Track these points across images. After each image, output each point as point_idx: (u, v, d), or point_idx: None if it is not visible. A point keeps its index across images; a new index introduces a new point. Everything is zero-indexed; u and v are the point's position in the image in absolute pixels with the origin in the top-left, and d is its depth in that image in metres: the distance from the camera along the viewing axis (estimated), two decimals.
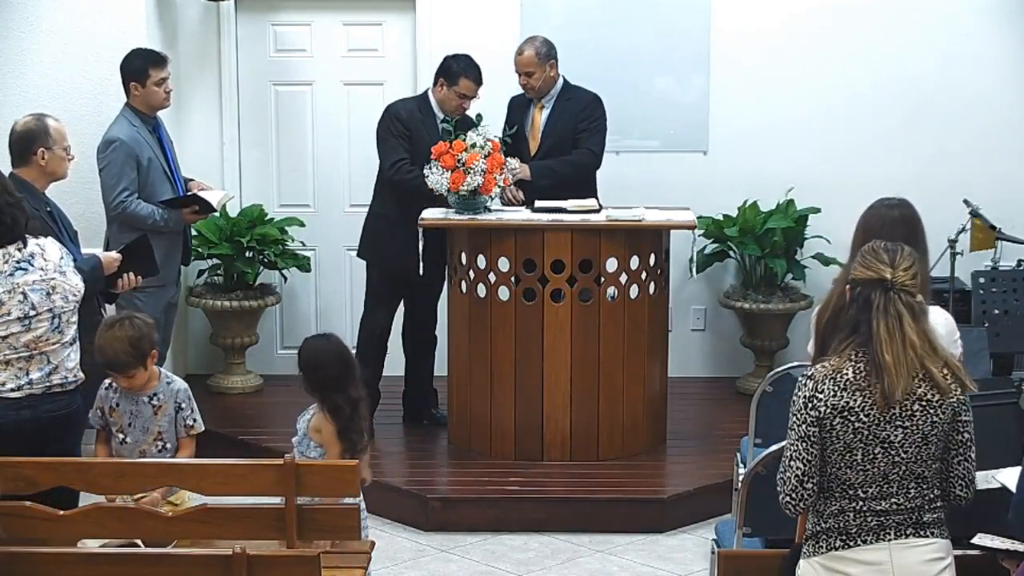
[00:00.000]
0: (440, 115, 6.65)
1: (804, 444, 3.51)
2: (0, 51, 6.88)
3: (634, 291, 6.43)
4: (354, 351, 5.22)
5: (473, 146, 6.29)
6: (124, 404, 4.80)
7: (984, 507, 3.69)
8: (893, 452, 3.49)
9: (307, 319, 7.93)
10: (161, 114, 6.44)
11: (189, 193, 6.43)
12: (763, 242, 7.36)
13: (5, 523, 4.09)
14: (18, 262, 4.62)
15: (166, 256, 6.19)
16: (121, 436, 4.81)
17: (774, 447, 4.11)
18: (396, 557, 5.81)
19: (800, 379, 3.57)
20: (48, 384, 4.67)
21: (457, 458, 6.61)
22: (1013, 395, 4.23)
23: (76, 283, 4.78)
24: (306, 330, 7.71)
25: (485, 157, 6.26)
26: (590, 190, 6.72)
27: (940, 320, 4.09)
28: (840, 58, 7.60)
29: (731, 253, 7.55)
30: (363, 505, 4.73)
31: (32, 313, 4.61)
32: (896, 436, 3.48)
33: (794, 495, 3.55)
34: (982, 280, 6.72)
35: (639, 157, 7.66)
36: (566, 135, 6.74)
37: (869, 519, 3.52)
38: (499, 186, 6.35)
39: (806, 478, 3.52)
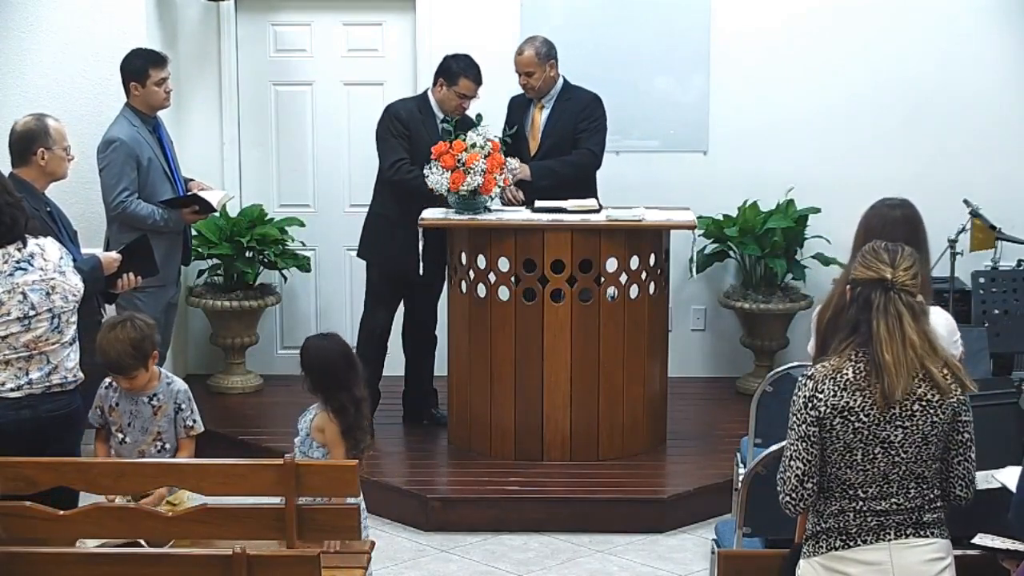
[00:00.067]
0: (440, 115, 6.65)
1: (804, 444, 3.51)
2: (0, 51, 6.88)
3: (634, 291, 6.43)
4: (354, 351, 5.23)
5: (473, 146, 6.29)
6: (124, 404, 4.80)
7: (984, 507, 3.69)
8: (893, 452, 3.49)
9: (307, 319, 7.93)
10: (161, 114, 6.44)
11: (189, 193, 6.43)
12: (763, 242, 7.36)
13: (5, 523, 4.09)
14: (18, 262, 4.62)
15: (166, 256, 6.19)
16: (120, 436, 4.81)
17: (774, 447, 4.11)
18: (396, 557, 5.81)
19: (800, 379, 3.57)
20: (48, 384, 4.67)
21: (457, 458, 6.61)
22: (1013, 395, 4.22)
23: (76, 283, 4.78)
24: (306, 330, 7.71)
25: (485, 157, 6.26)
26: (590, 190, 6.72)
27: (941, 321, 4.09)
28: (840, 58, 7.60)
29: (731, 253, 7.55)
30: (363, 505, 4.73)
31: (32, 313, 4.61)
32: (896, 436, 3.48)
33: (794, 495, 3.55)
34: (982, 280, 6.72)
35: (639, 157, 7.66)
36: (566, 135, 6.74)
37: (869, 519, 3.52)
38: (499, 186, 6.35)
39: (806, 478, 3.52)
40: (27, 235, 4.66)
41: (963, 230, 6.84)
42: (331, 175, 7.85)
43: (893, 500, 3.52)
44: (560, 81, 6.79)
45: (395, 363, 7.03)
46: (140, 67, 6.26)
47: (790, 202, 7.49)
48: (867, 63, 7.59)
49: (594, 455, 6.44)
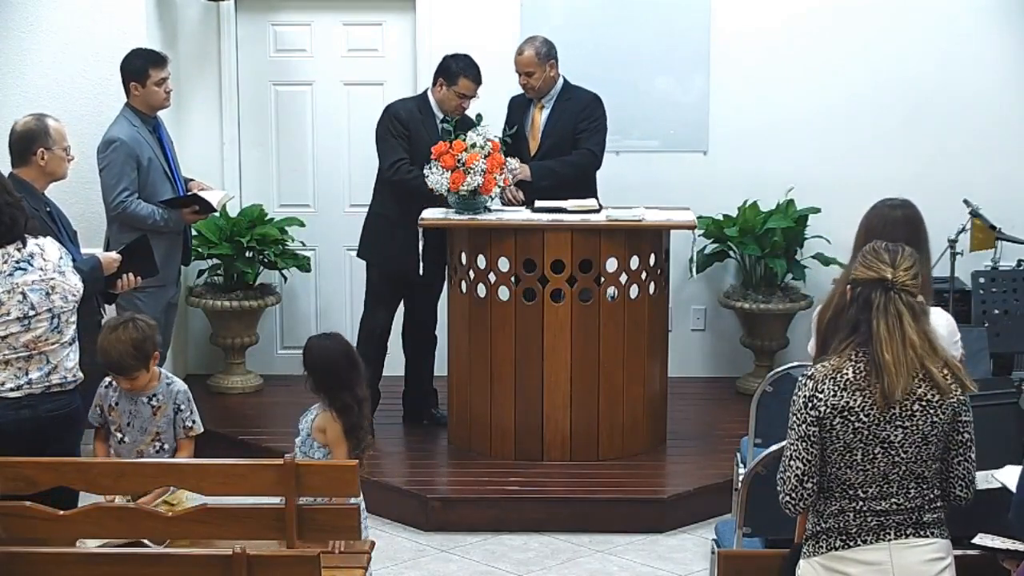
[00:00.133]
0: (440, 115, 6.65)
1: (804, 444, 3.52)
2: (0, 51, 6.88)
3: (634, 291, 6.43)
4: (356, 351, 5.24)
5: (473, 146, 6.29)
6: (123, 403, 4.80)
7: (984, 507, 3.69)
8: (893, 452, 3.49)
9: (307, 319, 7.93)
10: (161, 114, 6.44)
11: (189, 193, 6.43)
12: (763, 242, 7.36)
13: (5, 523, 4.09)
14: (17, 262, 4.62)
15: (166, 256, 6.19)
16: (119, 435, 4.81)
17: (774, 447, 4.11)
18: (396, 557, 5.81)
19: (800, 379, 3.57)
20: (47, 384, 4.67)
21: (457, 458, 6.61)
22: (1013, 395, 4.22)
23: (75, 283, 4.78)
24: (306, 330, 7.72)
25: (485, 157, 6.26)
26: (590, 190, 6.72)
27: (941, 322, 4.09)
28: (840, 58, 7.60)
29: (731, 253, 7.55)
30: (363, 505, 4.73)
31: (31, 313, 4.61)
32: (896, 436, 3.48)
33: (794, 495, 3.55)
34: (982, 280, 6.72)
35: (639, 157, 7.66)
36: (566, 135, 6.74)
37: (869, 519, 3.52)
38: (499, 186, 6.35)
39: (806, 478, 3.52)
40: (27, 235, 4.66)
41: (963, 230, 6.84)
42: (331, 175, 7.85)
43: (893, 500, 3.52)
44: (560, 81, 6.79)
45: (395, 363, 7.03)
46: (140, 67, 6.26)
47: (790, 202, 7.49)
48: (867, 63, 7.59)
49: (594, 455, 6.44)
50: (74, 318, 4.78)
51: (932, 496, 3.55)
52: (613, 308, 6.39)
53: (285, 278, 7.70)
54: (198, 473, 4.26)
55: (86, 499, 4.47)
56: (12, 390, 4.61)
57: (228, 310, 7.42)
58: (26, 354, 4.63)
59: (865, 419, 3.47)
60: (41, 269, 4.66)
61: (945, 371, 3.50)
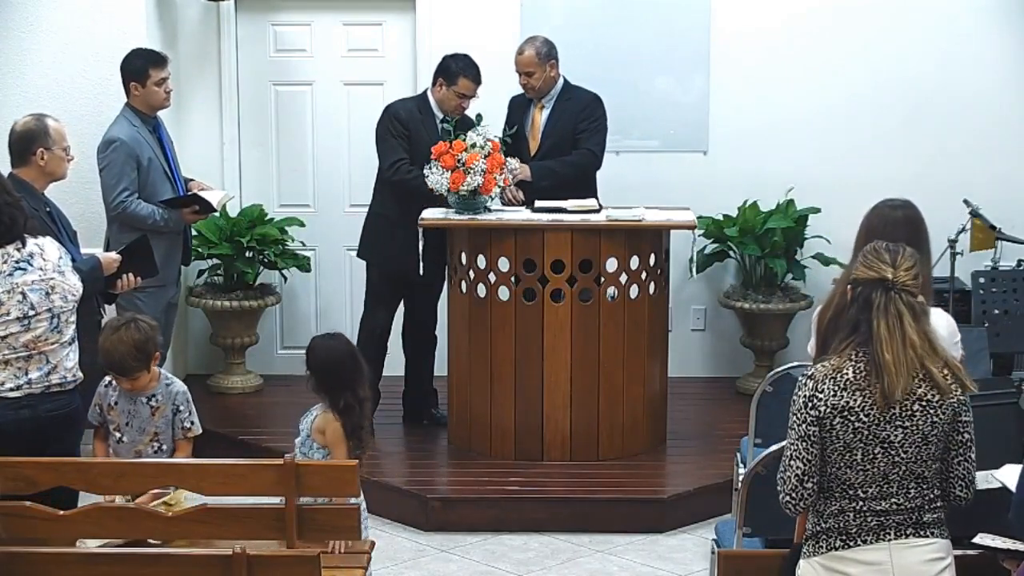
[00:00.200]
0: (439, 115, 6.65)
1: (804, 444, 3.52)
2: (0, 51, 6.88)
3: (634, 291, 6.43)
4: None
5: (473, 146, 6.29)
6: (122, 403, 4.80)
7: (984, 507, 3.69)
8: (893, 452, 3.49)
9: (307, 319, 7.93)
10: (161, 114, 6.44)
11: (189, 193, 6.43)
12: (763, 242, 7.36)
13: (5, 523, 4.09)
14: (17, 262, 4.62)
15: (166, 256, 6.19)
16: (118, 435, 4.81)
17: (774, 447, 4.11)
18: (396, 557, 5.81)
19: (800, 379, 3.57)
20: (47, 384, 4.67)
21: (457, 458, 6.60)
22: (1013, 395, 4.23)
23: (74, 283, 4.78)
24: (306, 330, 7.73)
25: (485, 157, 6.26)
26: (590, 190, 6.72)
27: (942, 322, 4.09)
28: (840, 58, 7.60)
29: (731, 253, 7.55)
30: (364, 505, 4.73)
31: (31, 313, 4.61)
32: (896, 436, 3.48)
33: (794, 495, 3.55)
34: (982, 280, 6.72)
35: (639, 157, 7.66)
36: (566, 135, 6.74)
37: (869, 519, 3.52)
38: (499, 186, 6.35)
39: (806, 478, 3.52)
40: (26, 235, 4.66)
41: (963, 230, 6.84)
42: (331, 175, 7.85)
43: (893, 500, 3.52)
44: (560, 81, 6.79)
45: (395, 363, 7.03)
46: (140, 67, 6.25)
47: (790, 202, 7.49)
48: (867, 63, 7.59)
49: (594, 455, 6.44)
50: (74, 318, 4.78)
51: (932, 496, 3.55)
52: (613, 308, 6.39)
53: (285, 278, 7.70)
54: (198, 473, 4.26)
55: (86, 499, 4.47)
56: (12, 390, 4.61)
57: (228, 310, 7.42)
58: (26, 354, 4.63)
59: (865, 419, 3.47)
60: (41, 269, 4.66)
61: (945, 371, 3.50)
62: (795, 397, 3.56)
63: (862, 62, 7.59)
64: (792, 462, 3.54)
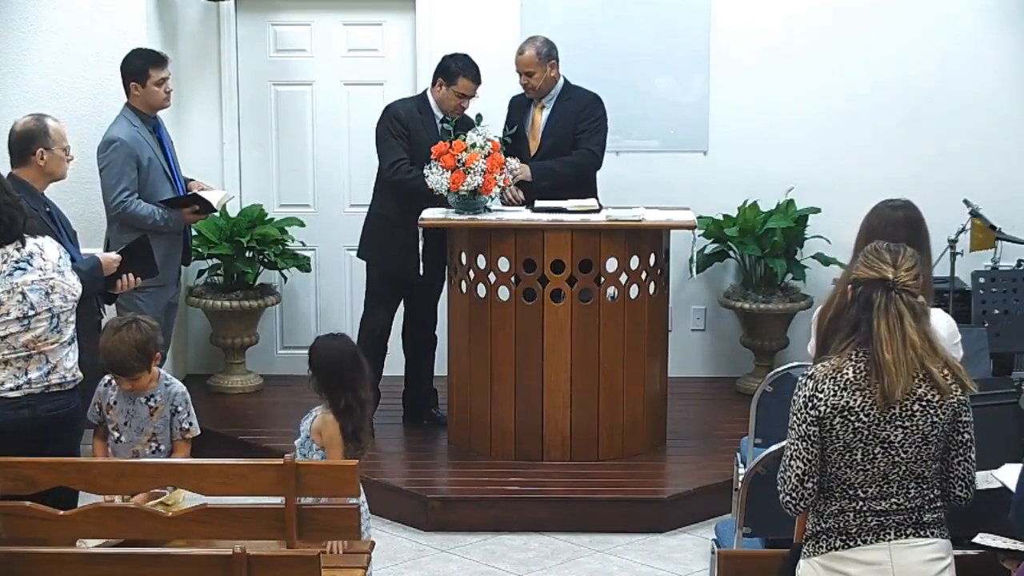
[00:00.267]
0: (439, 115, 6.65)
1: (804, 443, 3.52)
2: (0, 51, 6.88)
3: (634, 291, 6.43)
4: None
5: (473, 146, 6.29)
6: (121, 403, 4.80)
7: (984, 507, 3.69)
8: (893, 452, 3.49)
9: (307, 319, 7.93)
10: (161, 114, 6.44)
11: (189, 193, 6.43)
12: (763, 242, 7.36)
13: (5, 523, 4.09)
14: (17, 262, 4.62)
15: (166, 256, 6.19)
16: (116, 435, 4.80)
17: (774, 447, 4.11)
18: (396, 557, 5.81)
19: (800, 378, 3.57)
20: (47, 384, 4.67)
21: (457, 458, 6.60)
22: (1013, 395, 4.23)
23: (74, 283, 4.78)
24: (306, 330, 7.74)
25: (485, 157, 6.26)
26: (590, 190, 6.72)
27: (942, 323, 4.09)
28: (840, 58, 7.60)
29: (731, 253, 7.55)
30: (366, 506, 4.73)
31: (31, 313, 4.61)
32: (896, 436, 3.48)
33: (794, 494, 3.55)
34: (982, 280, 6.72)
35: (639, 157, 7.66)
36: (566, 135, 6.74)
37: (869, 519, 3.52)
38: (499, 186, 6.35)
39: (806, 477, 3.52)
40: (25, 235, 4.66)
41: (963, 230, 6.84)
42: (331, 175, 7.85)
43: (893, 500, 3.52)
44: (561, 81, 6.79)
45: (395, 363, 7.03)
46: (140, 67, 6.25)
47: (790, 202, 7.49)
48: (867, 63, 7.59)
49: (594, 455, 6.44)
50: (73, 318, 4.78)
51: (932, 496, 3.55)
52: (613, 308, 6.39)
53: (285, 278, 7.70)
54: (198, 473, 4.26)
55: (86, 499, 4.47)
56: (11, 390, 4.61)
57: (228, 310, 7.42)
58: (25, 354, 4.63)
59: (865, 419, 3.47)
60: (40, 269, 4.66)
61: (945, 371, 3.50)
62: (795, 397, 3.56)
63: (862, 62, 7.59)
64: (792, 462, 3.54)
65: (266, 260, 7.49)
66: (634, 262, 6.39)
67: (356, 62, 7.77)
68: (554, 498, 6.14)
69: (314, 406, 4.81)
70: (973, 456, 3.57)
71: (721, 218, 7.49)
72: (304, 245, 7.72)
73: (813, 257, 7.45)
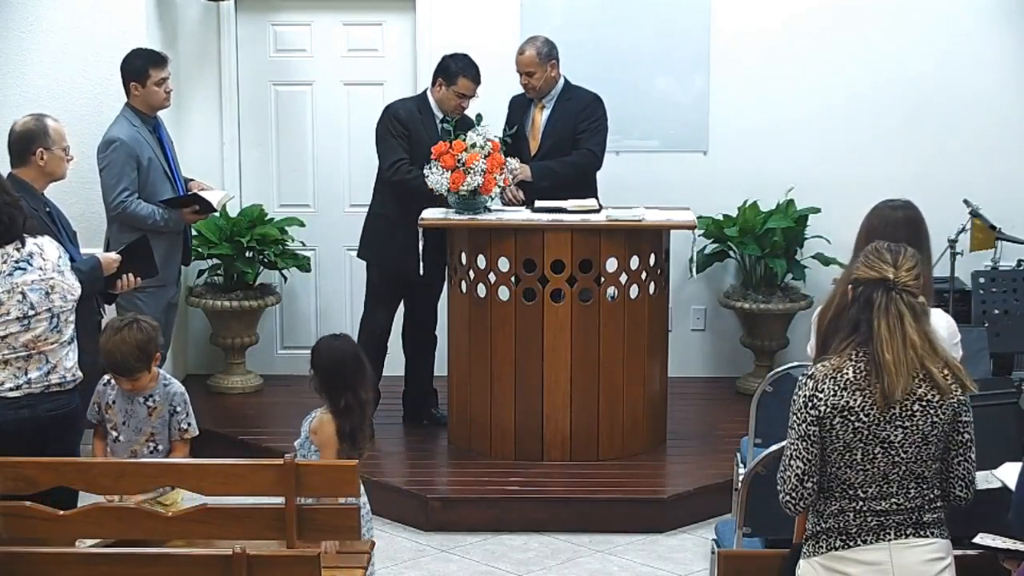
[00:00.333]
0: (439, 115, 6.65)
1: (804, 443, 3.52)
2: (0, 51, 6.88)
3: (634, 291, 6.43)
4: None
5: (473, 146, 6.29)
6: (120, 402, 4.80)
7: (984, 507, 3.69)
8: (893, 452, 3.49)
9: (307, 319, 7.93)
10: (161, 114, 6.44)
11: (189, 193, 6.43)
12: (763, 242, 7.36)
13: (5, 523, 4.09)
14: (17, 262, 4.62)
15: (166, 256, 6.19)
16: (115, 434, 4.81)
17: (774, 447, 4.11)
18: (396, 557, 5.81)
19: (800, 378, 3.57)
20: (47, 384, 4.67)
21: (457, 458, 6.60)
22: (1013, 395, 4.23)
23: (73, 283, 4.78)
24: (306, 330, 7.74)
25: (485, 157, 6.26)
26: (590, 190, 6.72)
27: (942, 323, 4.09)
28: (840, 58, 7.60)
29: (731, 253, 7.55)
30: (368, 507, 4.73)
31: (31, 313, 4.61)
32: (896, 436, 3.48)
33: (794, 494, 3.55)
34: (982, 280, 6.72)
35: (639, 157, 7.66)
36: (566, 135, 6.74)
37: (869, 519, 3.52)
38: (499, 186, 6.35)
39: (806, 477, 3.52)
40: (25, 235, 4.66)
41: (963, 230, 6.84)
42: (331, 175, 7.85)
43: (893, 500, 3.52)
44: (561, 81, 6.79)
45: (395, 363, 7.03)
46: (140, 67, 6.25)
47: (790, 202, 7.49)
48: (867, 63, 7.59)
49: (594, 455, 6.44)
50: (73, 317, 4.78)
51: (932, 496, 3.55)
52: (613, 308, 6.39)
53: (285, 278, 7.70)
54: (198, 473, 4.26)
55: (86, 499, 4.47)
56: (11, 390, 4.61)
57: (228, 310, 7.42)
58: (25, 354, 4.63)
59: (865, 419, 3.47)
60: (40, 269, 4.66)
61: (945, 371, 3.50)
62: (795, 397, 3.56)
63: (862, 62, 7.59)
64: (792, 462, 3.54)
65: (266, 260, 7.49)
66: (634, 262, 6.39)
67: (356, 62, 7.77)
68: (554, 498, 6.14)
69: (315, 407, 4.81)
70: (973, 456, 3.57)
71: (721, 218, 7.49)
72: (304, 245, 7.72)
73: (813, 257, 7.45)
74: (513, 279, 6.37)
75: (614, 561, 5.80)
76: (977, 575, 3.81)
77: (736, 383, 7.67)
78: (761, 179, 7.59)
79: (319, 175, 7.86)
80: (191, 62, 7.65)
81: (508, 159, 6.45)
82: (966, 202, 6.90)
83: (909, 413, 3.48)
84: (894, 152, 7.60)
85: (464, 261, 6.47)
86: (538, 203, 6.54)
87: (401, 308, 6.97)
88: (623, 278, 6.39)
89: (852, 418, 3.47)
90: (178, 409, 4.81)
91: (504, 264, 6.38)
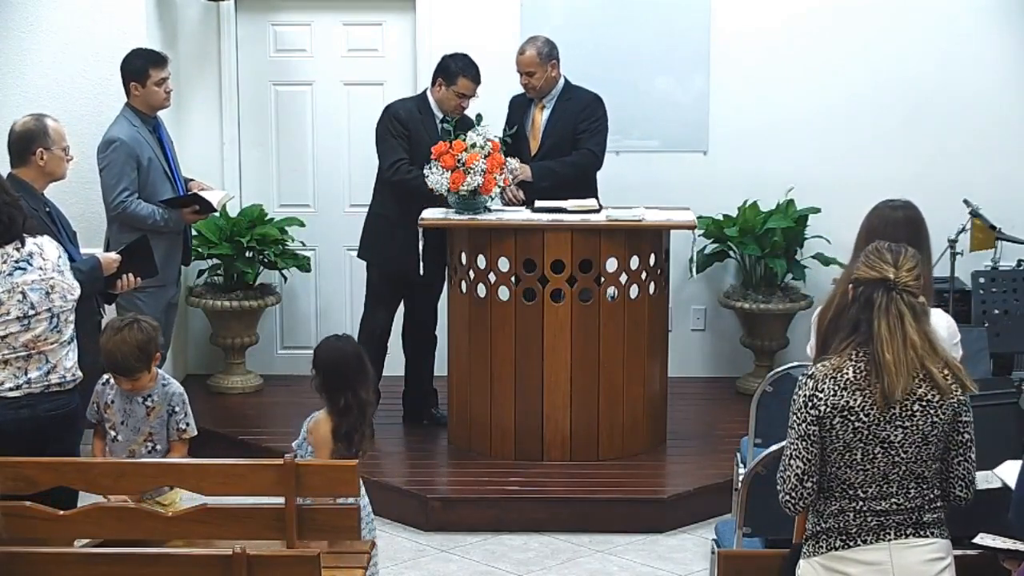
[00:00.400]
0: (439, 115, 6.65)
1: (804, 443, 3.52)
2: (0, 51, 6.88)
3: (634, 291, 6.43)
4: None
5: (473, 146, 6.29)
6: (119, 402, 4.80)
7: (984, 507, 3.69)
8: (893, 452, 3.49)
9: (307, 319, 7.93)
10: (161, 114, 6.43)
11: (189, 193, 6.43)
12: (763, 242, 7.36)
13: (5, 523, 4.09)
14: (17, 262, 4.62)
15: (166, 256, 6.19)
16: (113, 433, 4.81)
17: (774, 447, 4.11)
18: (396, 557, 5.81)
19: (801, 378, 3.57)
20: (46, 383, 4.67)
21: (457, 458, 6.60)
22: (1013, 395, 4.23)
23: (72, 283, 4.78)
24: (306, 330, 7.75)
25: (485, 157, 6.26)
26: (590, 190, 6.72)
27: (942, 323, 4.09)
28: (840, 58, 7.60)
29: (731, 253, 7.55)
30: (370, 507, 4.72)
31: (31, 313, 4.62)
32: (896, 436, 3.48)
33: (794, 494, 3.55)
34: (982, 280, 6.72)
35: (639, 157, 7.66)
36: (567, 135, 6.74)
37: (869, 519, 3.52)
38: (499, 186, 6.35)
39: (806, 477, 3.52)
40: (25, 234, 4.66)
41: (963, 230, 6.84)
42: (331, 175, 7.85)
43: (893, 500, 3.52)
44: (561, 81, 6.79)
45: (395, 363, 7.03)
46: (140, 67, 6.25)
47: (790, 202, 7.49)
48: (867, 63, 7.59)
49: (594, 455, 6.44)
50: (73, 317, 4.78)
51: (932, 496, 3.55)
52: (613, 308, 6.39)
53: (285, 278, 7.70)
54: (198, 473, 4.26)
55: (86, 499, 4.47)
56: (11, 390, 4.61)
57: (228, 310, 7.42)
58: (25, 354, 4.63)
59: (865, 419, 3.47)
60: (40, 268, 4.66)
61: (945, 371, 3.50)
62: (795, 397, 3.56)
63: (862, 62, 7.59)
64: (792, 461, 3.54)
65: (266, 260, 7.49)
66: (634, 262, 6.39)
67: (356, 62, 7.77)
68: (554, 498, 6.14)
69: (315, 408, 4.81)
70: (973, 456, 3.57)
71: (721, 218, 7.49)
72: (304, 245, 7.72)
73: (813, 257, 7.45)
74: (513, 279, 6.37)
75: (614, 561, 5.80)
76: (977, 575, 3.81)
77: (736, 383, 7.67)
78: (761, 179, 7.59)
79: (319, 175, 7.86)
80: (191, 62, 7.65)
81: (508, 159, 6.45)
82: (966, 202, 6.90)
83: (909, 413, 3.48)
84: (894, 152, 7.60)
85: (464, 261, 6.47)
86: (538, 203, 6.54)
87: (401, 308, 6.97)
88: (623, 278, 6.39)
89: (852, 418, 3.47)
90: (176, 409, 4.81)
91: (504, 264, 6.38)
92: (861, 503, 3.52)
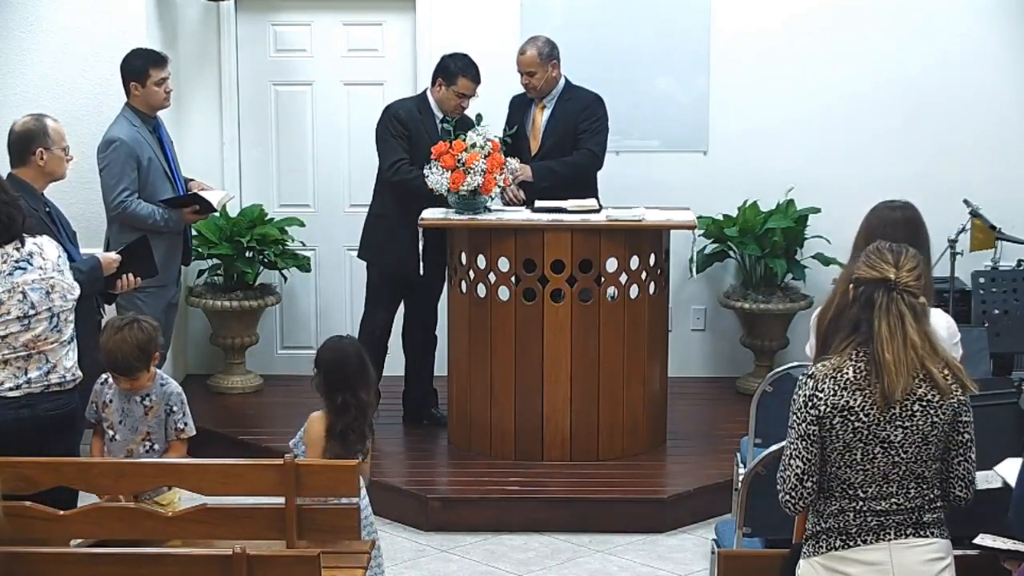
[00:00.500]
0: (439, 115, 6.65)
1: (804, 443, 3.51)
2: (0, 51, 6.88)
3: (634, 291, 6.43)
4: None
5: (473, 146, 6.29)
6: (117, 401, 4.80)
7: (984, 507, 3.69)
8: (893, 452, 3.49)
9: (307, 319, 7.93)
10: (161, 114, 6.44)
11: (189, 193, 6.43)
12: (763, 242, 7.36)
13: (5, 523, 4.09)
14: (17, 262, 4.62)
15: (166, 256, 6.19)
16: (111, 433, 4.80)
17: (774, 447, 4.11)
18: (396, 557, 5.81)
19: (801, 378, 3.57)
20: (46, 383, 4.67)
21: (457, 458, 6.60)
22: (1013, 395, 4.23)
23: (72, 282, 4.78)
24: (306, 330, 7.75)
25: (485, 157, 6.26)
26: (590, 190, 6.72)
27: (942, 323, 4.10)
28: (840, 58, 7.60)
29: (731, 253, 7.55)
30: (371, 508, 4.72)
31: (31, 312, 4.62)
32: (896, 436, 3.48)
33: (794, 494, 3.55)
34: (982, 280, 6.72)
35: (639, 157, 7.66)
36: (567, 135, 6.74)
37: (869, 519, 3.52)
38: (499, 186, 6.35)
39: (806, 477, 3.52)
40: (24, 234, 4.66)
41: (963, 230, 6.84)
42: (331, 175, 7.85)
43: (893, 500, 3.51)
44: (562, 81, 6.79)
45: (395, 363, 7.03)
46: (140, 67, 6.25)
47: (790, 202, 7.49)
48: (867, 63, 7.59)
49: (594, 455, 6.44)
50: (73, 317, 4.78)
51: (932, 496, 3.55)
52: (613, 308, 6.39)
53: (285, 278, 7.70)
54: (198, 473, 4.26)
55: (86, 499, 4.47)
56: (11, 389, 4.61)
57: (228, 310, 7.42)
58: (25, 353, 4.63)
59: (865, 419, 3.47)
60: (40, 268, 4.66)
61: (946, 371, 3.50)
62: (795, 396, 3.56)
63: (862, 62, 7.59)
64: (792, 461, 3.54)
65: (266, 260, 7.49)
66: (634, 262, 6.39)
67: (356, 62, 7.77)
68: (554, 498, 6.14)
69: (315, 408, 4.81)
70: (973, 456, 3.57)
71: (721, 218, 7.49)
72: (304, 245, 7.72)
73: (813, 257, 7.45)
74: (513, 279, 6.37)
75: (614, 561, 5.80)
76: (977, 575, 3.81)
77: (736, 383, 7.67)
78: (761, 179, 7.59)
79: (319, 175, 7.86)
80: (191, 62, 7.65)
81: (508, 159, 6.45)
82: (966, 202, 6.90)
83: (909, 413, 3.48)
84: (894, 152, 7.60)
85: (464, 261, 6.47)
86: (538, 203, 6.54)
87: (401, 308, 6.97)
88: (623, 278, 6.39)
89: (852, 418, 3.47)
90: (174, 409, 4.81)
91: (504, 264, 6.38)
92: (861, 503, 3.52)
